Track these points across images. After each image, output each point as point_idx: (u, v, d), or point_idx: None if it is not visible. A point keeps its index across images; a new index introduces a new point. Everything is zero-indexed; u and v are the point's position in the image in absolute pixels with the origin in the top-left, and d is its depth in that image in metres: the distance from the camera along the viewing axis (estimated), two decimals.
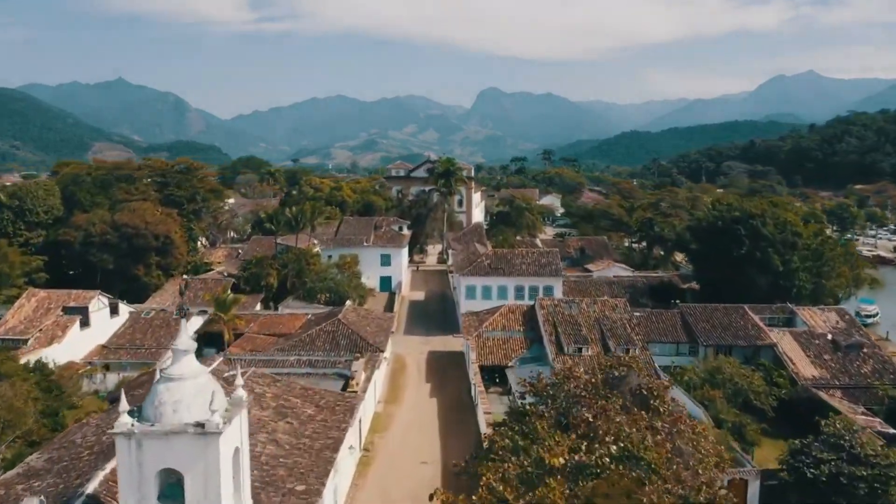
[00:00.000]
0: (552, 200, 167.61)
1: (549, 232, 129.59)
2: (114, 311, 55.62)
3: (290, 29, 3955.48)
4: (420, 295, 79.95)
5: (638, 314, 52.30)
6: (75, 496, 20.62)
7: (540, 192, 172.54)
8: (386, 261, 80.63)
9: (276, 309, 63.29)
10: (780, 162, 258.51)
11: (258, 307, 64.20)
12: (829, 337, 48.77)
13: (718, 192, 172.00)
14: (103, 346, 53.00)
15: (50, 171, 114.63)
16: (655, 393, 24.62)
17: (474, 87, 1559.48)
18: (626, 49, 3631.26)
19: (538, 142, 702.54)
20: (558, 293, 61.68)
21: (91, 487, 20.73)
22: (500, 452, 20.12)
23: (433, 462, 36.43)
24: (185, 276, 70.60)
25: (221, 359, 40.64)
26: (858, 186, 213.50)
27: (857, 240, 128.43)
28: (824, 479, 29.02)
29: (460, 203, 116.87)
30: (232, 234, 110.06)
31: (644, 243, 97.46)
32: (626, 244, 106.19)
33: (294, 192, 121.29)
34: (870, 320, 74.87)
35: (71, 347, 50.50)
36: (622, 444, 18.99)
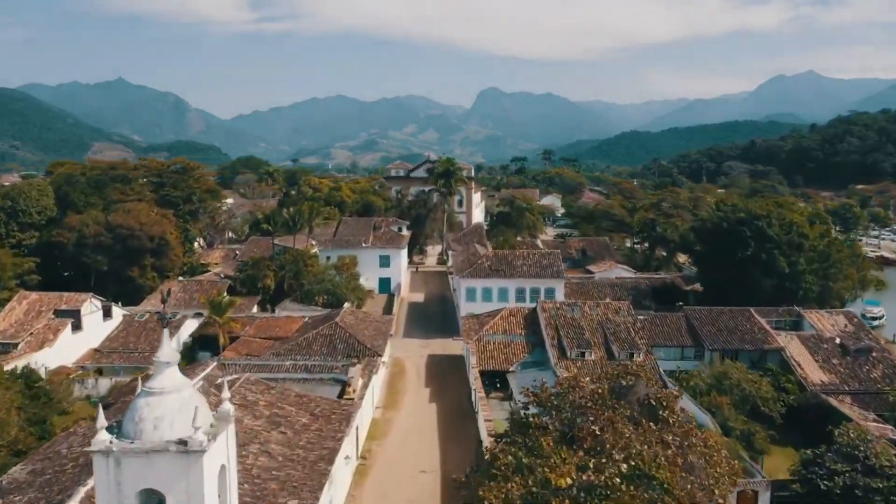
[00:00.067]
0: (552, 201, 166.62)
1: (549, 232, 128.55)
2: (107, 313, 54.52)
3: (290, 29, 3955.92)
4: (419, 297, 78.92)
5: (642, 317, 51.22)
6: None
7: (540, 193, 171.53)
8: (385, 262, 79.56)
9: (273, 311, 62.20)
10: (780, 162, 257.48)
11: (255, 309, 63.10)
12: (838, 341, 47.69)
13: (719, 192, 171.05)
14: (96, 350, 51.94)
15: (45, 171, 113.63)
16: (664, 403, 23.54)
17: (474, 87, 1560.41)
18: (626, 49, 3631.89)
19: (538, 142, 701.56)
20: (560, 295, 60.62)
21: None
22: (503, 469, 19.03)
23: (432, 471, 35.38)
24: (180, 278, 69.57)
25: (215, 364, 39.64)
26: (860, 186, 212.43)
27: (861, 240, 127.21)
28: (839, 491, 27.98)
29: (460, 203, 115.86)
30: (230, 234, 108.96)
31: (646, 244, 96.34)
32: (628, 245, 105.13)
33: (293, 193, 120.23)
34: (875, 322, 73.84)
35: (62, 351, 49.42)
36: (633, 462, 17.89)
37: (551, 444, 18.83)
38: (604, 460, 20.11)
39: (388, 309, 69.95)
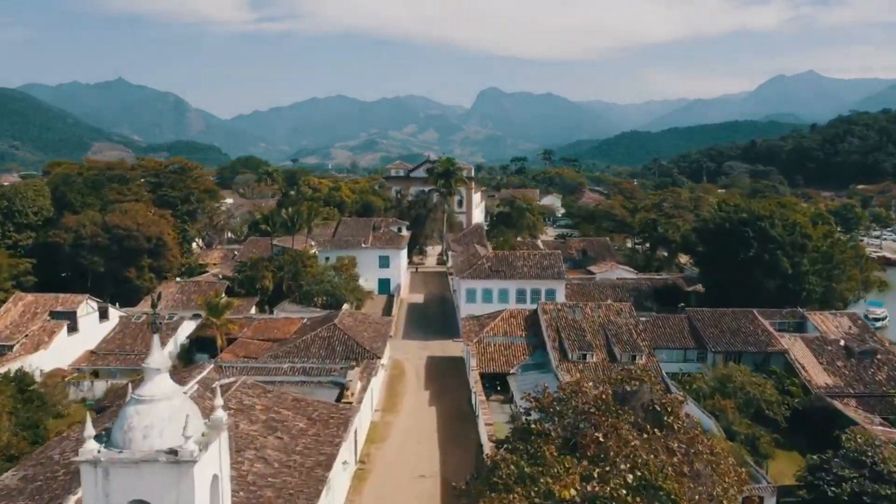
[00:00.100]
0: (553, 201, 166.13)
1: (549, 233, 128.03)
2: (103, 315, 53.95)
3: (290, 29, 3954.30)
4: (419, 297, 78.40)
5: (644, 319, 50.70)
6: None
7: (540, 193, 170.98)
8: (384, 262, 79.03)
9: (272, 312, 61.63)
10: (781, 162, 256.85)
11: (253, 311, 62.53)
12: (842, 343, 47.14)
13: (720, 192, 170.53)
14: (92, 352, 51.37)
15: (39, 172, 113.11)
16: (669, 409, 22.98)
17: (474, 87, 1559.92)
18: (626, 49, 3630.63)
19: (538, 142, 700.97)
20: (561, 297, 60.10)
21: None
22: (505, 477, 18.49)
23: (432, 476, 34.87)
24: (178, 279, 68.98)
25: (212, 366, 39.08)
26: (861, 186, 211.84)
27: (863, 240, 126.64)
28: (846, 497, 27.41)
29: (460, 203, 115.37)
30: (229, 234, 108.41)
31: (647, 245, 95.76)
32: (629, 245, 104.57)
33: (292, 193, 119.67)
34: (878, 323, 73.31)
35: (58, 353, 48.84)
36: (639, 473, 17.34)
37: (554, 452, 18.27)
38: (607, 468, 19.60)
39: (387, 310, 69.42)
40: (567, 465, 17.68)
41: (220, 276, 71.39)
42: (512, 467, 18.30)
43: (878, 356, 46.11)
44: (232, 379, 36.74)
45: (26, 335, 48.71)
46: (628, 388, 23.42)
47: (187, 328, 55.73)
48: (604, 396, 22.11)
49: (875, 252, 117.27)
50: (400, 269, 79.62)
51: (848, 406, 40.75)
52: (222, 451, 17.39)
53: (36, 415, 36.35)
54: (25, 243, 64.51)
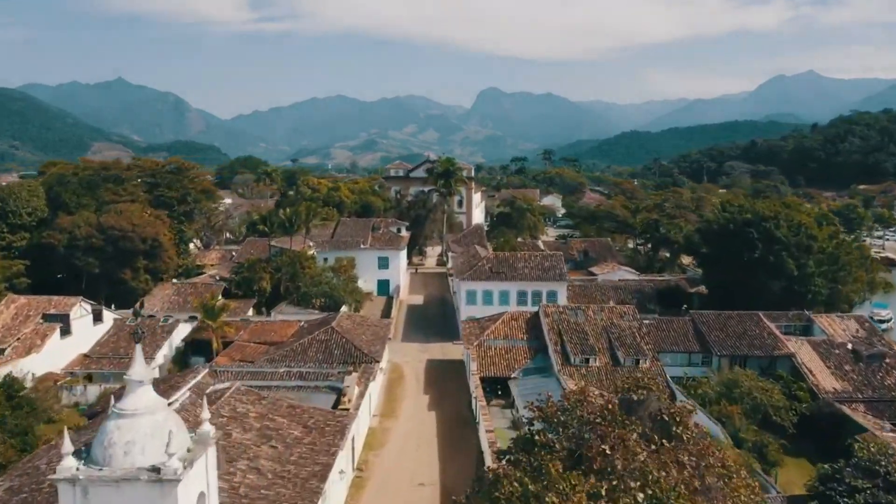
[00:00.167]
0: (553, 201, 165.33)
1: (550, 233, 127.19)
2: (97, 317, 53.02)
3: (290, 29, 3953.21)
4: (419, 299, 77.50)
5: (647, 321, 49.81)
6: None
7: (541, 193, 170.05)
8: (384, 263, 78.12)
9: (269, 314, 60.72)
10: (782, 162, 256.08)
11: (250, 313, 61.62)
12: (850, 346, 46.25)
13: (721, 192, 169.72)
14: (85, 356, 50.44)
15: (37, 172, 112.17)
16: (678, 418, 22.05)
17: (474, 87, 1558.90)
18: (626, 49, 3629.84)
19: (538, 142, 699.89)
20: (563, 298, 59.21)
21: None
22: (507, 493, 17.58)
23: (431, 484, 33.95)
24: (174, 280, 68.09)
25: (206, 371, 38.19)
26: (863, 186, 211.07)
27: (865, 241, 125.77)
28: None
29: (460, 204, 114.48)
30: (228, 235, 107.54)
31: (649, 245, 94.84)
32: (631, 246, 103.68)
33: (290, 193, 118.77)
34: (883, 325, 72.39)
35: (50, 357, 47.95)
36: (650, 491, 16.44)
37: (559, 467, 17.36)
38: (615, 482, 18.70)
39: (386, 312, 68.55)
40: (573, 482, 16.77)
41: (218, 278, 70.51)
42: (515, 484, 17.38)
43: (887, 360, 45.22)
44: (226, 384, 35.87)
45: (18, 338, 47.80)
46: (635, 398, 22.50)
47: (183, 331, 54.80)
48: (610, 406, 21.19)
49: (878, 253, 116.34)
50: (399, 271, 78.72)
51: (857, 411, 39.86)
52: (209, 467, 16.51)
53: (25, 421, 35.40)
54: (19, 244, 63.58)
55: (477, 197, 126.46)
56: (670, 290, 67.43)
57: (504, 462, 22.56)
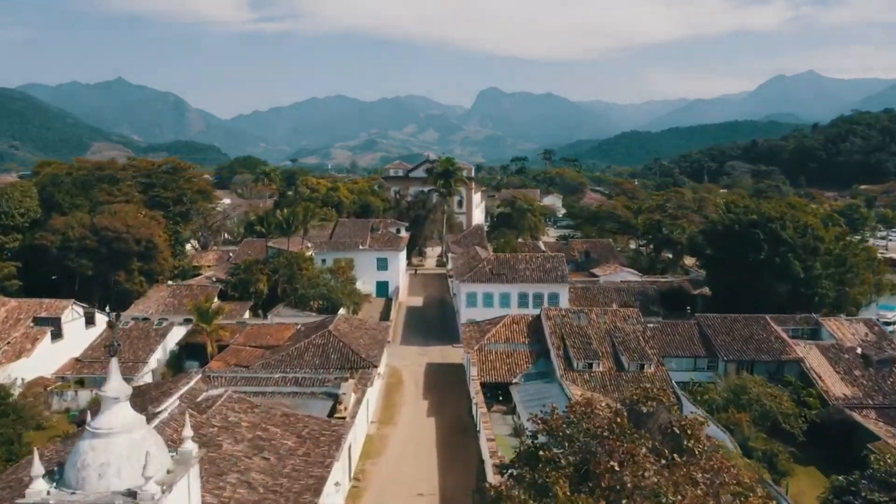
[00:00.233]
0: (553, 201, 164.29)
1: (550, 233, 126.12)
2: (89, 321, 51.94)
3: (290, 29, 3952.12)
4: (418, 301, 76.43)
5: (651, 325, 48.70)
6: None
7: (541, 193, 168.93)
8: (382, 265, 77.05)
9: (266, 317, 59.61)
10: (783, 162, 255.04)
11: (247, 315, 60.57)
12: (859, 351, 45.15)
13: (722, 192, 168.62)
14: (77, 360, 49.35)
15: (31, 171, 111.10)
16: (689, 431, 21.00)
17: (474, 87, 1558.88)
18: (626, 49, 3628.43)
19: (538, 142, 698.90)
20: (564, 301, 58.14)
21: None
22: None
23: (430, 494, 32.90)
24: (170, 282, 67.01)
25: (199, 376, 37.10)
26: (864, 187, 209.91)
27: (868, 242, 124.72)
28: None
29: (460, 204, 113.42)
30: (226, 235, 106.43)
31: (651, 246, 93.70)
32: (632, 247, 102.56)
33: (289, 193, 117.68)
34: (890, 328, 71.27)
35: (41, 361, 46.82)
36: None
37: (566, 488, 16.28)
38: (625, 502, 17.65)
39: (385, 314, 67.47)
40: None
41: (214, 279, 69.38)
42: None
43: None
44: (219, 391, 34.79)
45: (8, 342, 46.67)
46: (644, 410, 21.42)
47: (177, 334, 53.77)
48: (619, 419, 20.12)
49: (882, 254, 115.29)
50: (398, 272, 77.64)
51: (868, 419, 38.79)
52: (192, 489, 15.45)
53: (12, 429, 34.29)
54: (11, 246, 62.40)
55: (477, 197, 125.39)
56: (673, 292, 66.37)
57: (506, 477, 21.52)
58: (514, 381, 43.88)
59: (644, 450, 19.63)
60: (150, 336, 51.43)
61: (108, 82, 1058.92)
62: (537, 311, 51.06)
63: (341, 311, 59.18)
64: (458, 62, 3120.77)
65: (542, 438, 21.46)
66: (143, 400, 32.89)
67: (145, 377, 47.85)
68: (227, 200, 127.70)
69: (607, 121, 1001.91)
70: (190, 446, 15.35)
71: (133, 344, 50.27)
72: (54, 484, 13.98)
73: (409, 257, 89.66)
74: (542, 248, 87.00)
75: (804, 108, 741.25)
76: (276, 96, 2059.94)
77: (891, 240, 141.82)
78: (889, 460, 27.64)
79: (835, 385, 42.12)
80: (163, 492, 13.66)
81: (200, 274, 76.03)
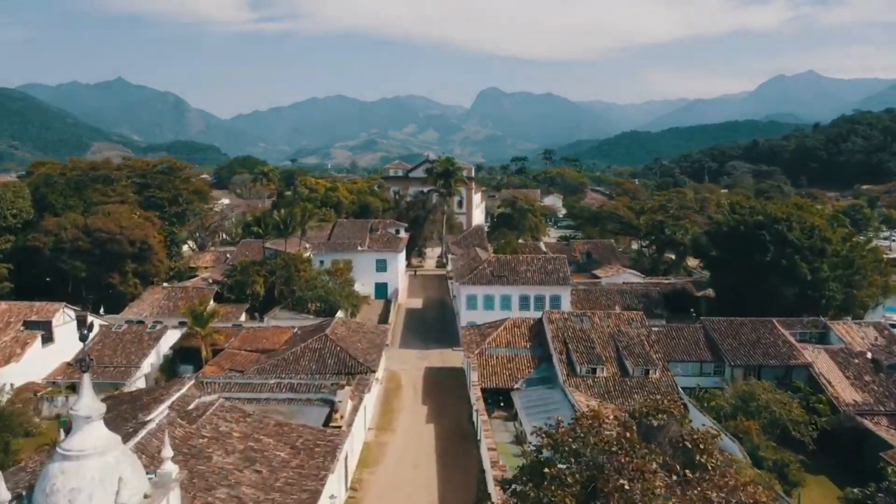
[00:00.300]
0: (554, 201, 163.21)
1: (551, 234, 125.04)
2: (81, 324, 50.73)
3: (290, 29, 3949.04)
4: (418, 302, 75.39)
5: (656, 328, 47.65)
6: None
7: (541, 193, 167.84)
8: (381, 266, 75.93)
9: (262, 320, 58.53)
10: (784, 162, 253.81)
11: (243, 318, 59.46)
12: (869, 355, 44.10)
13: (723, 192, 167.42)
14: (68, 364, 48.16)
15: (24, 172, 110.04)
16: (702, 446, 19.93)
17: (474, 87, 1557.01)
18: (626, 49, 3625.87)
19: (538, 142, 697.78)
20: (566, 303, 57.07)
21: None
22: None
23: None
24: (165, 284, 65.91)
25: (192, 382, 36.00)
26: (866, 187, 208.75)
27: (873, 242, 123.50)
28: None
29: (460, 204, 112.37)
30: (224, 236, 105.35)
31: (654, 247, 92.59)
32: (635, 248, 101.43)
33: (287, 193, 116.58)
34: None
35: (31, 366, 45.64)
36: None
37: None
38: None
39: (384, 316, 66.43)
40: None
41: (210, 281, 68.31)
42: None
43: None
44: (212, 397, 33.80)
45: None
46: (655, 423, 20.33)
47: (172, 337, 52.64)
48: (628, 434, 19.03)
49: (885, 254, 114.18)
50: (397, 273, 76.57)
51: (879, 426, 37.72)
52: None
53: None
54: (3, 247, 61.34)
55: (477, 197, 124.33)
56: (677, 294, 65.37)
57: (509, 494, 20.45)
58: (515, 387, 42.85)
59: (654, 465, 18.58)
60: (144, 340, 50.34)
61: (108, 82, 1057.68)
62: (539, 314, 50.04)
63: (339, 313, 58.11)
64: (458, 62, 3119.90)
65: (546, 453, 20.37)
66: (134, 407, 31.78)
67: (138, 382, 46.79)
68: (225, 201, 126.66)
69: (607, 121, 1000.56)
70: (170, 468, 14.27)
71: (126, 348, 49.20)
72: None
73: (408, 258, 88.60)
74: (543, 248, 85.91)
75: (804, 108, 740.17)
76: (276, 96, 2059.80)
77: (894, 240, 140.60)
78: None
79: (845, 391, 41.05)
80: None
81: (197, 276, 74.97)
